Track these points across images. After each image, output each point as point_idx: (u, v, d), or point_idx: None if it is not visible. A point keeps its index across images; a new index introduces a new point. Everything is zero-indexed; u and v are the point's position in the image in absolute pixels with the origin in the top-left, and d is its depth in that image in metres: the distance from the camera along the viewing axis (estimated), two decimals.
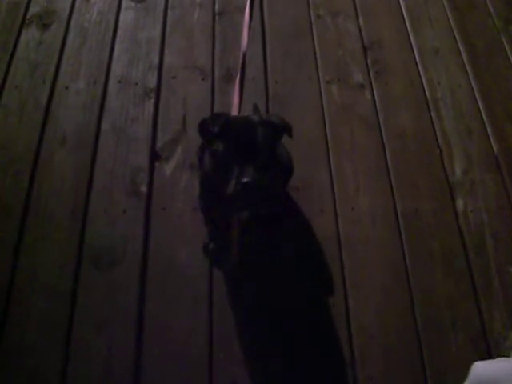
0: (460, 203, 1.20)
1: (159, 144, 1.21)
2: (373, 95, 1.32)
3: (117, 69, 1.34)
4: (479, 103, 1.34)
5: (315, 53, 1.38)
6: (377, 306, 1.04)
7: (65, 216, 1.10)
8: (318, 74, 1.34)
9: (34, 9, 1.48)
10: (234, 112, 0.90)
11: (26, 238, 1.07)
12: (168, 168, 1.19)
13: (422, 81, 1.37)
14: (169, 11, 1.47)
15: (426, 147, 1.27)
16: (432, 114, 1.32)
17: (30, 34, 1.42)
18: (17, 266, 1.03)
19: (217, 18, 1.44)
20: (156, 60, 1.34)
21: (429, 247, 1.13)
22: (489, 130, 1.31)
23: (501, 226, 1.18)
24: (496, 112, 1.33)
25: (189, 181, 1.17)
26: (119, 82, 1.31)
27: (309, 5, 1.49)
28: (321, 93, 1.31)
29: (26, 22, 1.45)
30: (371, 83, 1.33)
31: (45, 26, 1.44)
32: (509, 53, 1.45)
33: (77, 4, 1.50)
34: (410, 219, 1.15)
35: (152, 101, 1.27)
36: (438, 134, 1.29)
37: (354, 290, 1.04)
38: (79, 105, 1.27)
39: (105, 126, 1.23)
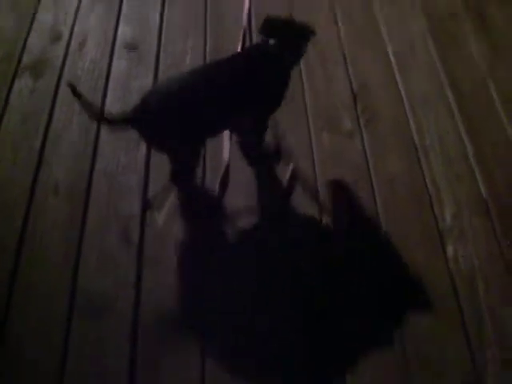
0: (450, 249, 1.52)
1: (151, 192, 1.56)
2: (363, 142, 1.69)
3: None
4: (467, 148, 1.70)
5: (305, 101, 1.77)
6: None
7: (57, 261, 1.42)
8: (308, 122, 1.72)
9: (27, 58, 1.90)
10: None
11: (17, 282, 1.37)
12: (160, 217, 1.52)
13: (410, 127, 1.74)
14: (161, 59, 1.88)
15: (416, 193, 1.62)
16: (421, 159, 1.67)
17: (23, 83, 1.82)
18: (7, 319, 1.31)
19: (208, 58, 1.88)
20: None
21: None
22: (477, 174, 1.65)
23: (491, 270, 1.47)
24: (484, 157, 1.68)
25: (180, 230, 1.49)
26: (113, 132, 1.68)
27: None
28: (311, 142, 1.68)
29: (20, 70, 1.86)
30: (361, 130, 1.71)
31: (38, 75, 1.84)
32: (495, 97, 1.82)
33: (70, 52, 1.91)
34: None
35: (144, 148, 1.63)
36: (427, 179, 1.64)
37: None
38: (72, 152, 1.64)
39: (97, 173, 1.59)
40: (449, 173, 1.65)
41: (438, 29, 2.03)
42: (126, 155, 1.63)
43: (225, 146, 1.61)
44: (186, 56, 1.88)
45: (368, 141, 1.69)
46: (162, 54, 1.90)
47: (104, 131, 1.68)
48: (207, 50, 1.91)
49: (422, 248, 1.51)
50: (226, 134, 1.62)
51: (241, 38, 1.81)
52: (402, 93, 1.83)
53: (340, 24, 2.04)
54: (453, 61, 1.94)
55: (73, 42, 1.96)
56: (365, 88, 1.82)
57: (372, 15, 2.08)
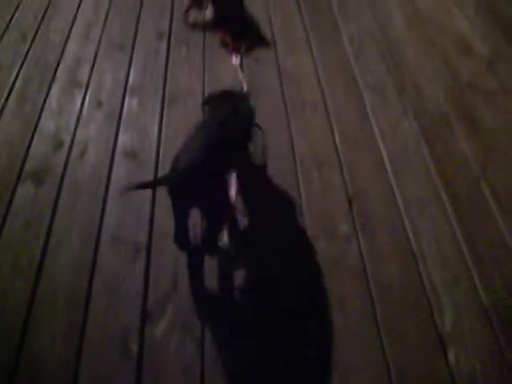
0: (451, 354, 1.63)
1: (150, 303, 1.68)
2: (359, 247, 1.84)
3: (109, 225, 1.87)
4: (464, 251, 1.84)
5: (301, 206, 1.93)
6: None
7: (55, 374, 1.52)
8: (304, 226, 1.87)
9: (29, 165, 2.09)
10: None
11: None
12: (159, 328, 1.64)
13: (406, 231, 1.88)
14: (159, 166, 2.06)
15: (414, 298, 1.74)
16: (418, 263, 1.81)
17: (25, 190, 1.99)
18: None
19: None
20: (147, 216, 1.89)
21: None
22: (476, 278, 1.78)
23: (493, 373, 1.58)
24: (482, 260, 1.82)
25: (180, 342, 1.61)
26: (111, 239, 1.83)
27: (294, 158, 2.08)
28: (307, 247, 1.82)
29: (22, 177, 2.04)
30: (357, 235, 1.86)
31: (39, 182, 2.02)
32: (488, 198, 1.99)
33: (71, 160, 2.10)
34: (402, 376, 1.57)
35: (143, 259, 1.78)
36: (425, 283, 1.77)
37: None
38: (72, 261, 1.78)
39: (96, 283, 1.72)
40: (446, 276, 1.77)
41: (431, 132, 2.22)
42: (125, 264, 1.77)
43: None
44: None
45: (364, 245, 1.83)
46: (160, 162, 2.09)
47: (104, 239, 1.83)
48: None
49: (422, 353, 1.62)
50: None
51: None
52: (397, 196, 1.99)
53: (335, 129, 2.24)
54: (446, 163, 2.11)
55: (74, 150, 2.15)
56: (360, 192, 1.98)
57: (366, 119, 2.29)
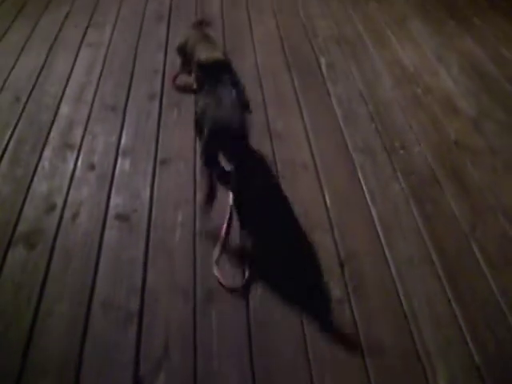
0: None
1: (142, 370, 1.69)
2: (351, 310, 1.87)
3: (100, 291, 1.90)
4: (456, 312, 1.86)
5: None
6: None
7: None
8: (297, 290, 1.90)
9: (21, 227, 2.12)
10: None
11: None
12: None
13: (398, 292, 1.91)
14: (151, 230, 2.10)
15: (408, 361, 1.76)
16: (410, 324, 1.83)
17: (17, 254, 2.02)
18: None
19: (197, 237, 2.07)
20: (139, 282, 1.91)
21: None
22: (468, 338, 1.80)
23: None
24: (474, 320, 1.84)
25: None
26: (102, 304, 1.85)
27: (286, 220, 2.13)
28: (300, 310, 1.86)
29: (13, 241, 2.06)
30: (349, 297, 1.89)
31: (31, 246, 2.04)
32: (479, 258, 2.03)
33: (63, 223, 2.13)
34: None
35: (135, 325, 1.79)
36: (417, 345, 1.79)
37: None
38: (63, 327, 1.79)
39: (87, 350, 1.72)
40: (439, 337, 1.80)
41: (420, 192, 2.28)
42: (117, 330, 1.79)
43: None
44: (175, 231, 2.11)
45: (356, 308, 1.86)
46: (152, 226, 2.13)
47: (96, 305, 1.85)
48: (196, 226, 2.14)
49: None
50: None
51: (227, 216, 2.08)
52: (388, 256, 2.03)
53: (325, 190, 2.31)
54: (436, 223, 2.17)
55: (66, 213, 2.19)
56: (352, 254, 2.03)
57: (356, 180, 2.36)
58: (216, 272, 1.94)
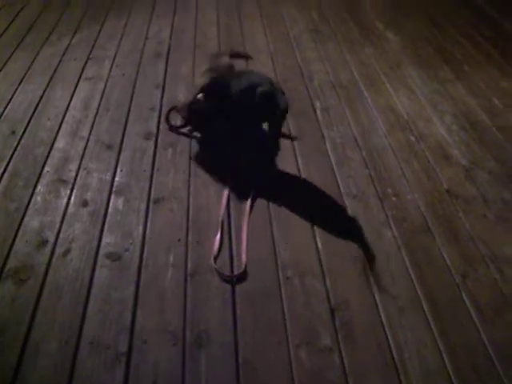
0: None
1: None
2: (341, 359, 1.88)
3: (89, 329, 1.90)
4: (446, 362, 1.87)
5: (284, 315, 1.98)
6: None
7: None
8: (287, 337, 1.91)
9: (11, 262, 2.13)
10: None
11: None
12: None
13: (388, 341, 1.93)
14: (142, 270, 2.11)
15: None
16: (400, 375, 1.84)
17: (6, 289, 2.02)
18: None
19: (189, 278, 2.08)
20: (128, 322, 1.92)
21: None
22: None
23: None
24: (464, 371, 1.85)
25: None
26: (91, 343, 1.86)
27: (277, 266, 2.15)
28: (290, 358, 1.86)
29: (3, 275, 2.06)
30: (339, 346, 1.90)
31: (21, 282, 2.05)
32: (469, 308, 2.05)
33: (54, 260, 2.14)
34: None
35: (123, 366, 1.79)
36: None
37: None
38: (49, 366, 1.79)
39: None
40: None
41: (412, 240, 2.31)
42: (105, 371, 1.79)
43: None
44: (167, 272, 2.13)
45: (346, 357, 1.87)
46: (143, 266, 2.14)
47: (84, 344, 1.86)
48: (188, 268, 2.16)
49: None
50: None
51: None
52: (379, 305, 2.05)
53: (317, 236, 2.33)
54: (427, 272, 2.19)
55: (58, 249, 2.20)
56: (343, 301, 2.05)
57: (348, 227, 2.40)
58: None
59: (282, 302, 2.05)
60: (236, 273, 2.14)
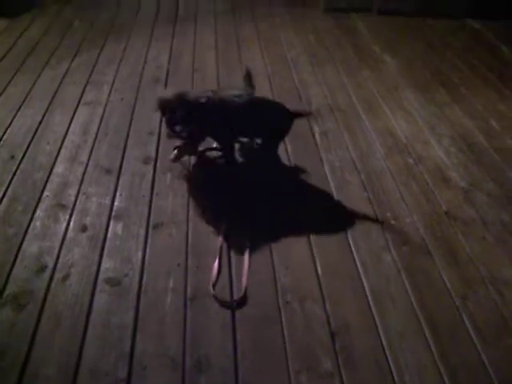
0: None
1: None
2: (342, 383, 1.88)
3: (88, 356, 1.90)
4: (446, 383, 1.89)
5: (284, 339, 1.98)
6: None
7: None
8: (287, 362, 1.91)
9: (10, 288, 2.14)
10: None
11: None
12: None
13: (389, 365, 1.93)
14: (142, 295, 2.12)
15: None
16: None
17: (5, 315, 2.02)
18: None
19: (188, 303, 2.09)
20: (127, 348, 1.92)
21: None
22: None
23: None
24: None
25: None
26: (90, 370, 1.85)
27: (277, 290, 2.16)
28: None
29: (2, 301, 2.07)
30: (340, 371, 1.90)
31: (20, 307, 2.06)
32: (470, 330, 2.06)
33: (53, 284, 2.15)
34: None
35: None
36: None
37: None
38: None
39: None
40: None
41: (411, 262, 2.32)
42: None
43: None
44: (166, 297, 2.13)
45: (347, 381, 1.88)
46: (143, 291, 2.15)
47: (82, 371, 1.86)
48: (187, 293, 2.17)
49: None
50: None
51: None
52: (380, 328, 2.05)
53: (317, 260, 2.35)
54: (427, 294, 2.20)
55: (56, 274, 2.21)
56: (343, 325, 2.05)
57: (348, 250, 2.41)
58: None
59: (282, 327, 2.05)
60: (236, 297, 2.13)
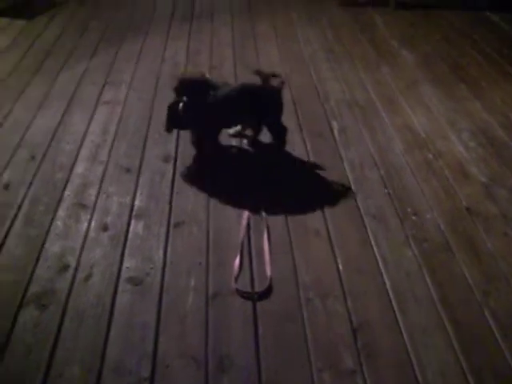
0: None
1: None
2: (364, 380, 1.87)
3: (111, 355, 1.91)
4: (470, 381, 1.86)
5: (306, 336, 1.98)
6: None
7: None
8: (309, 360, 1.91)
9: (33, 288, 2.15)
10: None
11: None
12: None
13: (411, 361, 1.91)
14: (164, 294, 2.12)
15: None
16: None
17: (29, 315, 2.04)
18: None
19: (210, 301, 2.10)
20: (150, 347, 1.93)
21: None
22: None
23: None
24: None
25: None
26: (113, 369, 1.86)
27: (298, 287, 2.16)
28: (313, 382, 1.86)
29: (25, 301, 2.09)
30: (362, 368, 1.90)
31: (43, 307, 2.07)
32: (492, 327, 2.04)
33: (75, 284, 2.16)
34: None
35: None
36: None
37: None
38: None
39: None
40: None
41: (432, 258, 2.31)
42: None
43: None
44: (188, 296, 2.14)
45: (369, 378, 1.87)
46: (164, 290, 2.16)
47: (106, 370, 1.88)
48: (209, 292, 2.17)
49: None
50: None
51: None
52: (401, 325, 2.04)
53: (338, 256, 2.35)
54: (448, 291, 2.19)
55: (79, 274, 2.22)
56: (365, 322, 2.04)
57: (368, 246, 2.41)
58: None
59: (304, 324, 2.05)
60: (259, 290, 2.16)
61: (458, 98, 3.53)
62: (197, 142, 2.88)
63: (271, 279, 2.19)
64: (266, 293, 2.16)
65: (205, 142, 2.91)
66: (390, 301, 2.13)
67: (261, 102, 2.79)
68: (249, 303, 2.11)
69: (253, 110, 2.82)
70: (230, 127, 2.99)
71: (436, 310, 2.11)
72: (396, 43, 4.34)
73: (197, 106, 2.73)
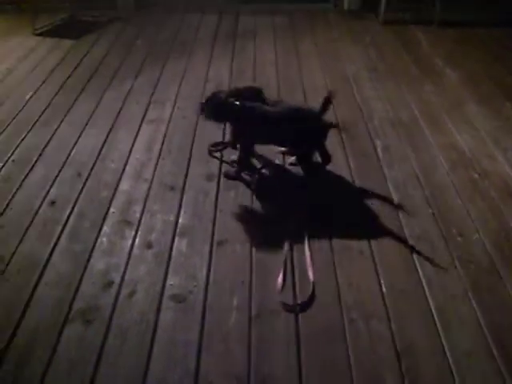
0: None
1: None
2: None
3: (154, 372, 1.93)
4: None
5: (349, 360, 1.97)
6: None
7: None
8: (352, 382, 1.90)
9: (78, 304, 2.19)
10: None
11: None
12: None
13: None
14: (207, 312, 2.14)
15: None
16: None
17: (73, 330, 2.08)
18: None
19: (253, 320, 2.10)
20: (193, 365, 1.94)
21: None
22: None
23: None
24: None
25: None
26: None
27: (341, 308, 2.15)
28: None
29: (70, 318, 2.12)
30: None
31: (88, 323, 2.11)
32: None
33: (119, 301, 2.19)
34: None
35: None
36: None
37: None
38: None
39: None
40: None
41: (479, 281, 2.30)
42: None
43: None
44: (230, 314, 2.15)
45: None
46: (207, 308, 2.17)
47: None
48: (252, 311, 2.18)
49: None
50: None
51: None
52: (446, 349, 2.01)
53: (381, 277, 2.34)
54: (495, 314, 2.15)
55: (123, 291, 2.25)
56: (409, 345, 2.02)
57: (413, 268, 2.40)
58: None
59: (347, 345, 2.03)
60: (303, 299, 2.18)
61: (503, 116, 3.49)
62: (241, 159, 2.91)
63: (314, 287, 2.22)
64: (309, 303, 2.18)
65: (239, 154, 2.93)
66: (435, 323, 2.10)
67: (304, 133, 2.79)
68: (292, 323, 2.11)
69: (296, 136, 2.82)
70: (267, 144, 3.00)
71: (482, 334, 2.07)
72: (440, 61, 4.31)
73: (247, 110, 2.78)
